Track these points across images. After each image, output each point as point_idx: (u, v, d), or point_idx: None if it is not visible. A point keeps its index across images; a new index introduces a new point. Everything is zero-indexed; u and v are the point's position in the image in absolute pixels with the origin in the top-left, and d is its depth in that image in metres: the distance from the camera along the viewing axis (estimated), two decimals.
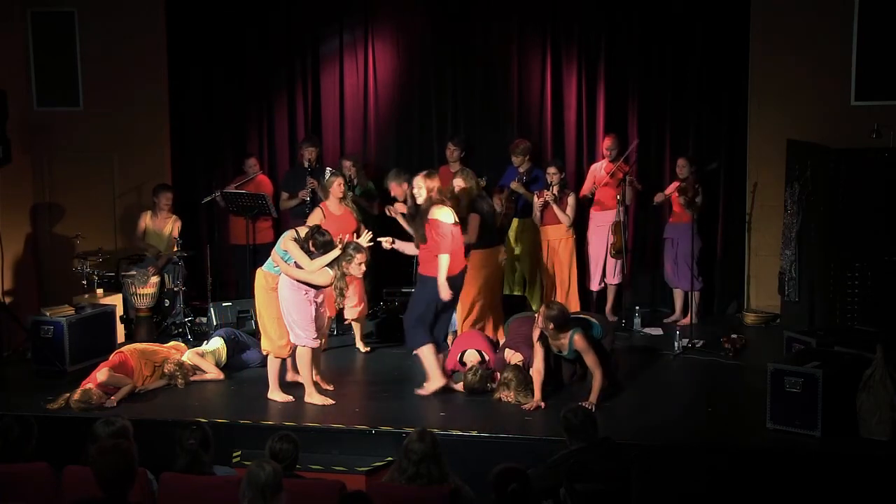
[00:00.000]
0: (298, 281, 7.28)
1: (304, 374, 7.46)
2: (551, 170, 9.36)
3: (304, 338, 7.36)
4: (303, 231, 7.43)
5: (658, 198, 9.60)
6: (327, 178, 8.72)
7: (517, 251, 9.67)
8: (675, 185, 9.45)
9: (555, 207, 9.30)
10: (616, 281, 9.81)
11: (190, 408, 7.42)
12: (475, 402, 7.48)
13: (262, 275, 7.56)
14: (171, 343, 8.55)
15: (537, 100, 10.20)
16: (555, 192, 9.28)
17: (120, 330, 9.11)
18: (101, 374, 7.55)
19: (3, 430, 5.34)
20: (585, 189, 9.78)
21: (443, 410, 7.34)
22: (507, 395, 7.39)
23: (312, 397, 7.45)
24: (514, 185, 9.43)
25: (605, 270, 9.79)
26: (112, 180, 10.48)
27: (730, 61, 9.82)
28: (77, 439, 5.57)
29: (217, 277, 10.13)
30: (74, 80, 10.37)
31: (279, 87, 10.58)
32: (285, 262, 7.35)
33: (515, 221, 9.63)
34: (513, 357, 7.59)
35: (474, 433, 6.77)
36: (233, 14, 10.42)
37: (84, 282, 9.37)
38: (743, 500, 6.27)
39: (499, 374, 7.57)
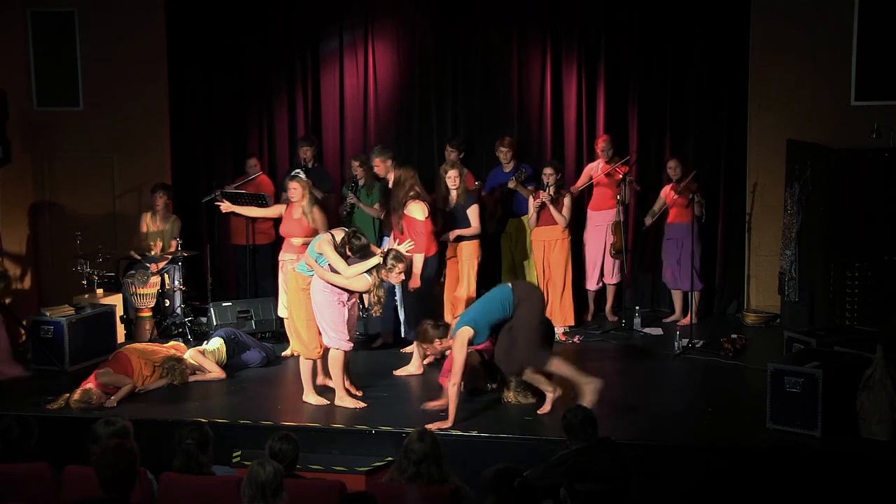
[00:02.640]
0: (333, 285, 7.26)
1: (336, 376, 7.42)
2: (548, 170, 9.34)
3: (338, 340, 7.33)
4: (339, 235, 7.38)
5: (648, 221, 9.60)
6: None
7: (515, 250, 9.67)
8: (667, 189, 9.45)
9: (551, 208, 9.29)
10: (615, 281, 9.81)
11: (190, 408, 7.42)
12: (475, 402, 7.49)
13: (293, 276, 7.55)
14: (171, 343, 8.55)
15: (537, 100, 10.20)
16: (551, 192, 9.27)
17: (120, 330, 9.11)
18: (101, 374, 7.55)
19: (3, 430, 5.34)
20: (577, 185, 9.78)
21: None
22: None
23: (344, 401, 7.42)
24: (511, 185, 9.44)
25: (604, 270, 9.80)
26: (112, 180, 10.48)
27: (730, 61, 9.82)
28: (77, 439, 5.57)
29: (217, 277, 10.12)
30: (74, 80, 10.37)
31: (279, 87, 10.58)
32: (319, 265, 7.29)
33: (514, 220, 9.64)
34: None
35: (474, 433, 6.77)
36: (233, 14, 10.42)
37: (84, 282, 9.37)
38: (743, 500, 6.27)
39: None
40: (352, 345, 7.46)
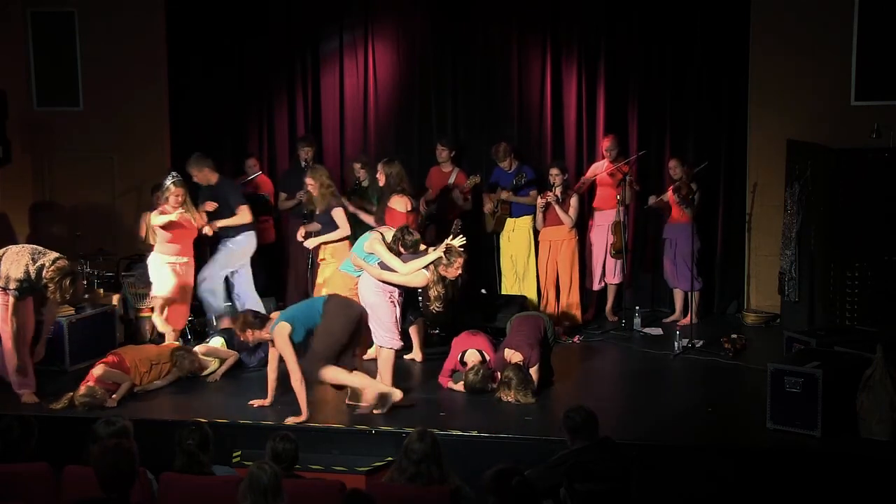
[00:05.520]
0: (390, 284, 7.29)
1: (386, 375, 7.43)
2: (554, 171, 9.37)
3: (389, 339, 7.37)
4: (388, 233, 7.45)
5: (652, 200, 9.61)
6: (167, 183, 8.49)
7: (511, 251, 9.68)
8: (671, 188, 9.46)
9: (557, 208, 9.31)
10: (616, 281, 9.81)
11: (190, 408, 7.42)
12: (475, 402, 7.49)
13: (339, 277, 7.59)
14: (168, 342, 8.52)
15: (537, 100, 10.20)
16: (557, 193, 9.29)
17: (120, 330, 9.10)
18: (98, 369, 7.54)
19: (3, 430, 5.34)
20: (583, 179, 9.78)
21: (443, 410, 7.35)
22: (507, 395, 7.39)
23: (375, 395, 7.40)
24: (504, 196, 9.46)
25: (605, 270, 9.80)
26: (112, 180, 10.48)
27: (730, 61, 9.83)
28: (77, 439, 5.57)
29: None
30: (74, 80, 10.38)
31: (279, 86, 10.58)
32: (370, 264, 7.34)
33: (512, 221, 9.64)
34: (513, 356, 7.59)
35: (474, 433, 6.77)
36: (233, 14, 10.41)
37: (84, 282, 9.35)
38: (743, 500, 6.27)
39: (499, 374, 7.57)
40: (402, 343, 7.49)
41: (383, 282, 7.30)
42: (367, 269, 7.34)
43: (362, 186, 9.49)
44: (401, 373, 7.95)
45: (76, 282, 7.60)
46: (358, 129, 10.50)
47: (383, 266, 7.31)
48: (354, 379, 7.12)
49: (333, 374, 7.05)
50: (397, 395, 7.18)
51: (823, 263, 8.58)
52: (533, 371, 7.54)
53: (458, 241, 7.38)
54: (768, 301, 9.76)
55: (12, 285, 7.38)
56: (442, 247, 7.28)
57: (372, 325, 7.40)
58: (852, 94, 9.38)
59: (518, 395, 7.35)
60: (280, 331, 7.03)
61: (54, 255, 7.51)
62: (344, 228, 8.58)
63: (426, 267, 7.25)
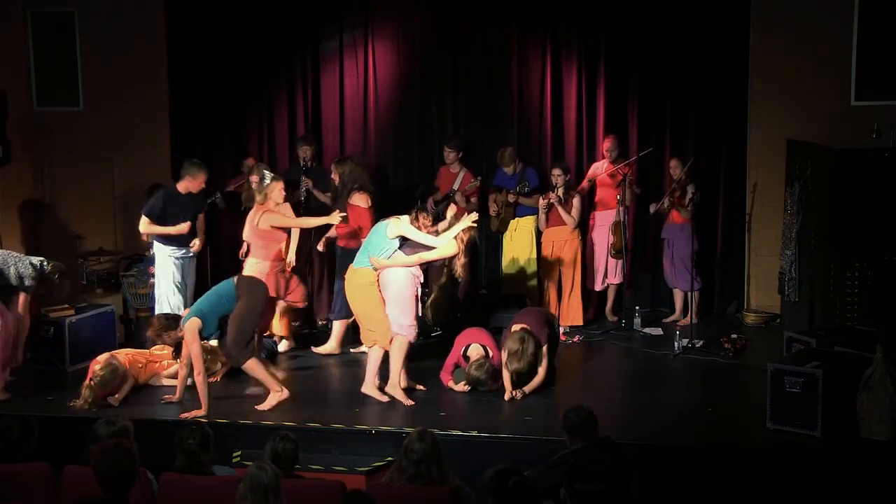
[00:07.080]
0: (426, 262, 7.40)
1: (396, 365, 7.46)
2: (556, 171, 9.36)
3: (408, 327, 7.39)
4: (405, 217, 7.48)
5: (653, 209, 9.59)
6: (267, 180, 8.17)
7: (513, 251, 9.68)
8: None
9: (559, 209, 9.30)
10: (617, 281, 9.81)
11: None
12: (475, 402, 7.50)
13: (355, 272, 7.54)
14: (158, 345, 8.43)
15: (537, 100, 10.19)
16: (559, 193, 9.29)
17: (120, 330, 9.10)
18: (101, 357, 7.54)
19: (3, 430, 5.34)
20: (581, 186, 9.79)
21: (443, 410, 7.34)
22: (509, 365, 7.46)
23: (395, 391, 7.46)
24: (511, 198, 9.46)
25: (607, 270, 9.79)
26: (112, 180, 10.48)
27: (730, 61, 9.83)
28: (77, 439, 5.58)
29: (217, 277, 10.09)
30: (74, 80, 10.38)
31: (279, 87, 10.56)
32: (393, 255, 7.36)
33: (514, 221, 9.64)
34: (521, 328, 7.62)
35: (474, 433, 6.78)
36: (233, 14, 10.40)
37: (84, 282, 9.36)
38: (743, 500, 6.28)
39: (505, 353, 7.54)
40: (416, 332, 7.50)
41: (421, 263, 7.37)
42: (398, 262, 7.34)
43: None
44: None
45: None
46: (358, 129, 10.49)
47: (411, 249, 7.35)
48: (267, 377, 7.34)
49: (253, 365, 7.27)
50: (285, 394, 7.37)
51: (823, 263, 8.58)
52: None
53: (474, 217, 7.49)
54: (768, 301, 9.76)
55: (28, 282, 7.64)
56: (473, 216, 7.41)
57: (393, 313, 7.39)
58: (852, 94, 9.39)
59: (525, 354, 7.36)
60: (190, 325, 7.16)
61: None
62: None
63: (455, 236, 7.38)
